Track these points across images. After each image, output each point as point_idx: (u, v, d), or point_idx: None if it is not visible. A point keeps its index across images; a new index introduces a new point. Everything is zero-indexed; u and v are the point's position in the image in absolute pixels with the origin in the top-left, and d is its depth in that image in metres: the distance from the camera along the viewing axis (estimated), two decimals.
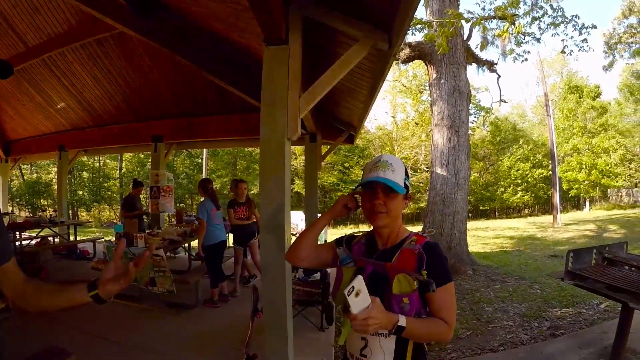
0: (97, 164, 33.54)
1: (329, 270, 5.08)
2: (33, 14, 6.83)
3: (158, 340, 4.70)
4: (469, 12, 10.33)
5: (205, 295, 6.09)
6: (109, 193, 33.31)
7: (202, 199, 6.29)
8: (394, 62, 10.25)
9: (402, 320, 1.41)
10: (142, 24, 5.40)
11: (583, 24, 11.29)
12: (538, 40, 11.62)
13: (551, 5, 11.57)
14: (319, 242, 1.87)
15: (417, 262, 1.51)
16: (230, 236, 6.99)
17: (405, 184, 1.61)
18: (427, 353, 1.62)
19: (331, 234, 13.75)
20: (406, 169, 1.66)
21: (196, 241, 6.52)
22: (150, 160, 10.73)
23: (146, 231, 7.16)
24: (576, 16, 11.14)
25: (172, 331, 5.01)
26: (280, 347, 3.10)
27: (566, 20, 11.19)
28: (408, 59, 10.03)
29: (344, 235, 1.88)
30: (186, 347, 4.54)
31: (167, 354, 4.35)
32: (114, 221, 29.79)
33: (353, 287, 1.32)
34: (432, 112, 9.82)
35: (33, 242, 9.14)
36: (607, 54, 32.36)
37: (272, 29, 2.99)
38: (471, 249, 10.20)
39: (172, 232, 6.81)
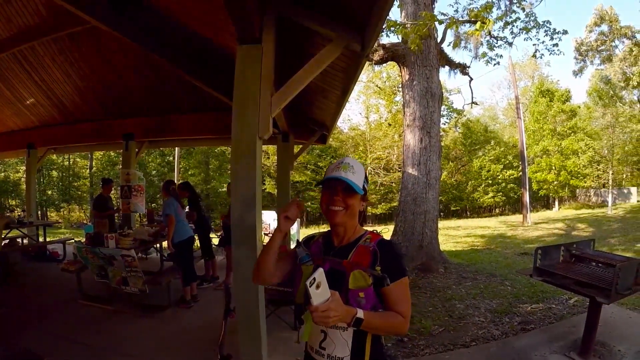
0: (67, 162, 32.72)
1: None
2: (4, 5, 6.51)
3: (131, 343, 4.63)
4: (442, 14, 10.50)
5: (178, 296, 6.03)
6: (79, 193, 32.58)
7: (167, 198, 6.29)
8: (368, 63, 10.36)
9: (360, 313, 1.48)
10: (116, 20, 5.24)
11: (554, 29, 11.66)
12: (510, 44, 11.91)
13: (523, 9, 11.89)
14: (292, 243, 1.92)
15: (372, 258, 1.59)
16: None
17: (363, 186, 1.69)
18: (385, 346, 1.69)
19: (303, 233, 13.74)
20: (366, 174, 1.75)
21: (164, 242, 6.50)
22: (120, 159, 10.56)
23: (117, 231, 7.03)
24: (548, 21, 11.53)
25: (145, 333, 4.94)
26: (253, 347, 3.10)
27: (538, 25, 11.53)
28: (382, 60, 10.10)
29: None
30: (159, 348, 4.49)
31: (140, 356, 4.30)
32: (84, 221, 29.14)
33: (314, 278, 1.38)
34: (404, 113, 9.91)
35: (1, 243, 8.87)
36: (578, 60, 33.41)
37: (245, 28, 2.99)
38: (443, 247, 10.34)
39: (143, 232, 6.71)
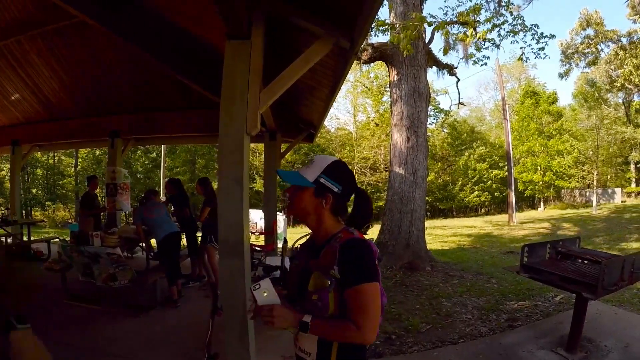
0: (52, 160, 32.23)
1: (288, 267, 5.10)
2: None
3: (117, 343, 4.58)
4: (431, 16, 10.56)
5: (165, 295, 5.99)
6: (64, 191, 32.11)
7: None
8: (356, 62, 10.37)
9: (307, 318, 1.47)
10: (104, 15, 5.17)
11: (542, 33, 11.78)
12: (497, 46, 12.02)
13: (511, 13, 12.00)
14: (279, 242, 1.95)
15: (332, 259, 1.50)
16: None
17: (318, 180, 1.60)
18: (361, 348, 1.62)
19: (290, 232, 13.74)
20: (332, 169, 1.63)
21: (153, 240, 6.45)
22: (105, 157, 10.44)
23: (102, 229, 6.97)
24: (535, 25, 11.64)
25: (131, 333, 4.89)
26: (240, 346, 3.07)
27: (526, 28, 11.64)
28: (370, 60, 10.14)
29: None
30: (146, 348, 4.45)
31: (126, 356, 4.26)
32: (69, 220, 28.75)
33: (259, 284, 1.47)
34: (392, 112, 9.95)
35: None
36: (564, 63, 33.94)
37: (234, 23, 2.96)
38: (429, 246, 10.40)
39: (129, 230, 6.65)
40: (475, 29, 9.05)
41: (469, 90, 72.67)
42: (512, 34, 11.61)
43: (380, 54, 9.75)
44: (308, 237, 1.83)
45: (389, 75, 10.06)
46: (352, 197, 1.71)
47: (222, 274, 3.07)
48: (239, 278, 3.00)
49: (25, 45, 7.37)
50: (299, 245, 1.85)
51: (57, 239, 9.85)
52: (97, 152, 29.43)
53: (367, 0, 2.78)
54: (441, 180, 36.36)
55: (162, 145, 23.54)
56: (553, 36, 12.24)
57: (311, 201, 1.61)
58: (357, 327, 1.44)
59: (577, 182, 35.15)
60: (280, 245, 10.11)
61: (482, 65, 15.13)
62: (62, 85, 8.37)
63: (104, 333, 4.86)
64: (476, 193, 35.21)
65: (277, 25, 3.66)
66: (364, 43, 8.93)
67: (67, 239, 7.47)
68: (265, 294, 1.46)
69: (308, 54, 3.23)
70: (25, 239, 10.06)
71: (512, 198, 24.15)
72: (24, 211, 25.86)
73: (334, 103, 5.81)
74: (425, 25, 8.79)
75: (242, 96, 2.98)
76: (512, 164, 26.03)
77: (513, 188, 25.09)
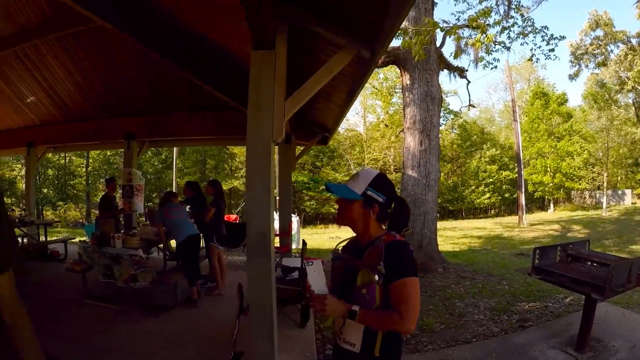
0: (63, 160, 32.53)
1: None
2: (5, 2, 6.43)
3: (139, 342, 4.62)
4: (444, 21, 10.63)
5: (184, 296, 6.07)
6: (75, 191, 32.41)
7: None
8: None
9: (356, 307, 1.67)
10: (120, 18, 5.23)
11: (552, 35, 11.78)
12: (508, 48, 12.04)
13: (522, 15, 12.03)
14: (293, 244, 2.11)
15: (378, 258, 1.69)
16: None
17: (365, 193, 1.80)
18: (403, 339, 1.87)
19: (304, 234, 13.86)
20: (377, 182, 1.83)
21: (173, 241, 6.58)
22: (116, 157, 10.57)
23: (122, 231, 7.09)
24: (545, 27, 11.65)
25: (152, 332, 4.93)
26: (266, 345, 3.18)
27: (536, 30, 11.67)
28: (383, 64, 10.24)
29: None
30: (170, 347, 4.49)
31: (149, 355, 4.30)
32: (80, 220, 29.00)
33: (312, 262, 1.65)
34: (404, 116, 10.04)
35: None
36: (574, 64, 33.70)
37: (260, 34, 3.05)
38: (441, 248, 10.48)
39: (149, 232, 6.79)
40: (485, 33, 9.12)
41: (479, 91, 72.35)
42: (521, 36, 11.67)
43: (394, 58, 9.84)
44: (347, 241, 2.04)
45: (402, 79, 10.14)
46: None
47: (250, 274, 3.16)
48: (266, 278, 3.11)
49: (42, 49, 7.47)
50: (340, 248, 2.02)
51: (74, 239, 10.02)
52: (108, 153, 29.67)
53: (390, 16, 2.88)
54: (451, 182, 36.22)
55: (174, 147, 23.73)
56: (563, 37, 12.27)
57: (360, 211, 1.82)
58: (401, 316, 1.63)
59: (587, 183, 34.97)
60: (294, 246, 10.26)
61: (492, 69, 15.22)
62: (78, 88, 8.48)
63: (126, 333, 4.90)
64: (487, 195, 35.06)
65: (299, 34, 3.74)
66: None
67: (82, 239, 7.57)
68: (314, 271, 1.73)
69: (331, 63, 3.34)
70: (41, 239, 10.24)
71: (522, 200, 24.09)
72: (35, 211, 26.10)
73: (350, 107, 5.91)
74: (437, 29, 8.87)
75: (268, 105, 3.09)
76: (522, 166, 25.94)
77: (523, 190, 25.01)
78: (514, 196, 32.20)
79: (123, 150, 9.68)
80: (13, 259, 1.27)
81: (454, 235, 18.30)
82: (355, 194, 1.79)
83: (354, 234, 1.99)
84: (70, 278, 6.61)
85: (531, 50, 16.63)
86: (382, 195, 1.82)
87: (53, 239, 11.23)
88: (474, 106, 16.53)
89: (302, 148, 9.48)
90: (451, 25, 9.94)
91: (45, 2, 6.43)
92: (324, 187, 1.95)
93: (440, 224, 11.67)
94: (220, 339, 4.40)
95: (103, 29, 6.10)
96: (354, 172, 1.84)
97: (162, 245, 7.21)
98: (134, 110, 8.84)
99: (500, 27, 10.29)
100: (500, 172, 35.66)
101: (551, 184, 31.91)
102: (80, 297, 6.15)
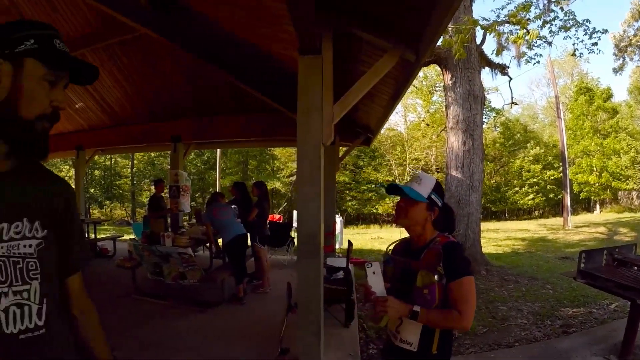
0: (109, 162, 33.76)
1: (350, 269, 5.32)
2: (51, 13, 6.75)
3: (188, 337, 4.81)
4: (483, 18, 10.46)
5: (230, 293, 6.26)
6: (120, 191, 33.60)
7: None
8: None
9: (417, 308, 1.74)
10: (163, 25, 5.43)
11: (594, 28, 11.36)
12: (549, 43, 11.70)
13: (562, 8, 11.67)
14: (336, 245, 2.20)
15: (436, 259, 1.79)
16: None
17: (430, 197, 1.90)
18: (454, 337, 1.95)
19: (346, 234, 13.93)
20: (438, 187, 1.95)
21: (220, 240, 6.79)
22: (160, 159, 10.91)
23: (169, 230, 7.37)
24: (587, 20, 11.25)
25: (200, 328, 5.11)
26: (313, 343, 3.27)
27: (577, 24, 11.30)
28: (424, 64, 10.16)
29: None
30: (218, 342, 4.63)
31: (198, 348, 4.46)
32: (126, 219, 30.04)
33: (372, 264, 1.79)
34: (447, 116, 9.95)
35: None
36: (617, 57, 32.24)
37: (307, 39, 3.14)
38: (484, 250, 10.32)
39: (197, 231, 7.03)
40: (526, 28, 8.93)
41: (521, 87, 70.71)
42: (563, 30, 11.31)
43: (434, 57, 9.76)
44: (397, 242, 2.12)
45: (443, 79, 10.06)
46: None
47: (300, 273, 3.27)
48: (315, 278, 3.21)
49: (89, 57, 7.70)
50: (390, 249, 2.11)
51: (122, 237, 10.43)
52: (152, 155, 30.53)
53: (432, 22, 2.93)
54: (494, 182, 35.30)
55: (218, 149, 24.23)
56: (605, 31, 11.77)
57: (423, 214, 1.91)
58: (460, 314, 1.74)
59: (635, 183, 33.39)
60: (337, 246, 10.33)
61: (534, 64, 14.91)
62: (124, 94, 8.89)
63: (176, 327, 5.09)
64: (530, 196, 34.00)
65: (344, 39, 3.82)
66: None
67: (131, 237, 7.86)
68: (374, 273, 1.77)
69: (377, 67, 3.40)
70: (91, 236, 10.70)
71: (567, 201, 23.29)
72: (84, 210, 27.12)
73: (395, 108, 5.95)
74: (477, 27, 8.76)
75: (316, 109, 3.18)
76: (567, 165, 25.06)
77: (568, 190, 24.18)
78: (559, 197, 31.10)
79: (168, 152, 9.99)
80: (86, 259, 1.40)
81: (497, 237, 17.91)
82: (422, 197, 1.88)
83: (402, 236, 2.10)
84: (120, 275, 6.93)
85: (573, 44, 16.09)
86: (441, 200, 1.95)
87: (101, 236, 11.74)
88: (516, 103, 16.16)
89: (345, 149, 9.55)
90: (491, 22, 9.75)
91: (90, 13, 6.72)
92: (384, 189, 2.02)
93: (483, 226, 11.46)
94: (266, 335, 4.53)
95: (148, 37, 6.39)
96: (397, 172, 1.93)
97: (208, 243, 7.44)
98: (179, 114, 9.14)
99: (542, 21, 10.05)
100: (545, 171, 34.36)
101: (597, 184, 30.65)
102: (129, 293, 6.43)
